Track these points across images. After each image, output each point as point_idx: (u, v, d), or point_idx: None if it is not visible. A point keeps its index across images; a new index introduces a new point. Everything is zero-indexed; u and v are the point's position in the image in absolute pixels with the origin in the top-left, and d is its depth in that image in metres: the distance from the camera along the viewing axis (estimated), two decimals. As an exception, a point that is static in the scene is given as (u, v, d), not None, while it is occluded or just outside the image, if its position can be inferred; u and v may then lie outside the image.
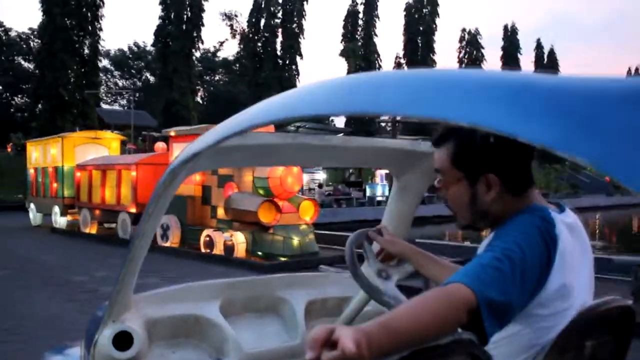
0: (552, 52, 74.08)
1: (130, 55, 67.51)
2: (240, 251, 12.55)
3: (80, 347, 2.40)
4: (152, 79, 65.37)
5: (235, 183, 13.24)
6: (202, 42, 43.36)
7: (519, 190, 1.51)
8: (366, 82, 1.20)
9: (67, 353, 2.66)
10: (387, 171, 21.04)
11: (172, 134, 14.92)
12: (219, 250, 12.92)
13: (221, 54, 68.86)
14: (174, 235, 14.34)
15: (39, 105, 35.87)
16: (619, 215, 37.81)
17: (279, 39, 47.57)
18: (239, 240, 12.55)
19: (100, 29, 36.75)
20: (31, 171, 21.47)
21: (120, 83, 67.33)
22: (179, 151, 10.60)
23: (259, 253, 12.62)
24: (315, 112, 1.27)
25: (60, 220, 19.49)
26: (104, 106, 52.68)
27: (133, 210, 15.67)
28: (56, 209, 19.61)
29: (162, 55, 42.38)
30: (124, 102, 68.36)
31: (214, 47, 64.71)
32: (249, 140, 2.09)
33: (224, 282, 2.61)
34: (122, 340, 2.09)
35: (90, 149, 19.69)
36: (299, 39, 47.46)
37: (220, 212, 13.68)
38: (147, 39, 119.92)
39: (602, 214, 36.13)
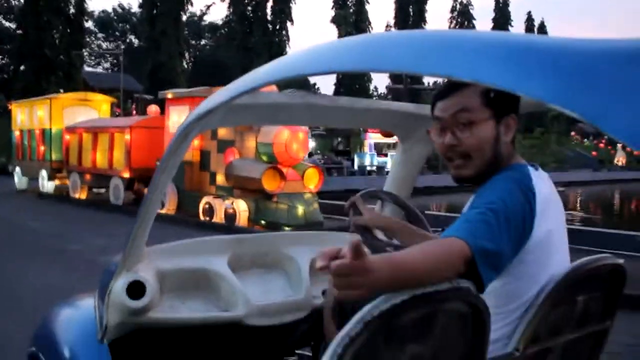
0: (542, 25, 73.53)
1: (115, 17, 65.93)
2: (242, 219, 12.01)
3: (94, 298, 2.46)
4: (136, 42, 64.29)
5: (236, 148, 12.62)
6: (192, 4, 42.13)
7: (514, 139, 1.66)
8: (378, 41, 1.27)
9: (77, 304, 2.67)
10: (376, 141, 20.76)
11: (169, 96, 14.22)
12: (219, 218, 12.37)
13: (207, 18, 67.67)
14: (170, 201, 13.75)
15: (22, 67, 34.68)
16: (606, 190, 37.76)
17: (270, 3, 46.44)
18: (241, 208, 11.99)
19: (87, -13, 35.50)
20: (16, 133, 20.57)
21: (104, 45, 65.78)
22: (176, 114, 10.84)
23: (262, 222, 12.07)
24: (328, 69, 1.32)
25: (47, 185, 18.77)
26: (87, 69, 51.48)
27: (126, 175, 15.02)
28: (43, 173, 18.87)
29: (150, 18, 41.12)
30: (107, 65, 67.19)
31: (201, 10, 63.46)
32: (259, 99, 2.15)
33: (232, 237, 2.71)
34: (135, 290, 2.14)
35: (80, 111, 18.85)
36: (290, 4, 46.39)
37: (220, 179, 13.09)
38: (133, 1, 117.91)
39: (590, 188, 36.15)
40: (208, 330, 2.37)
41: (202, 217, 12.74)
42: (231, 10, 48.52)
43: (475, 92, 1.58)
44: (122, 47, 63.73)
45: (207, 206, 12.69)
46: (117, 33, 66.95)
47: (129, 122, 15.53)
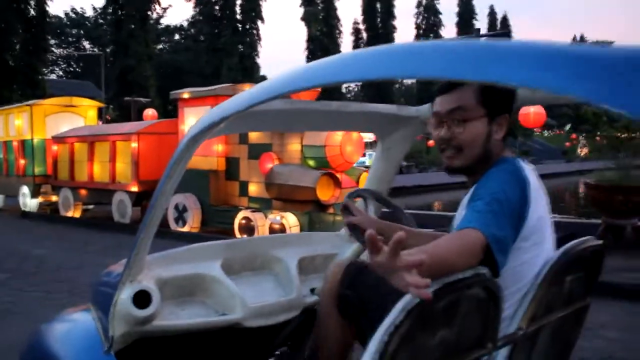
0: (505, 19, 73.56)
1: (68, 23, 62.84)
2: (291, 236, 10.23)
3: (89, 310, 2.50)
4: (89, 47, 61.62)
5: (274, 153, 10.86)
6: (159, 4, 39.66)
7: (506, 137, 1.84)
8: (430, 48, 1.30)
9: (70, 319, 2.67)
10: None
11: (186, 96, 12.34)
12: (260, 235, 10.57)
13: (163, 21, 64.90)
14: (194, 217, 11.87)
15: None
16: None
17: (238, 2, 44.29)
18: (291, 222, 10.21)
19: (48, -13, 32.72)
20: (-12, 146, 18.28)
21: (57, 52, 62.54)
22: (192, 116, 8.08)
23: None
24: (357, 77, 1.45)
25: (30, 203, 16.59)
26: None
27: (134, 188, 13.04)
28: (25, 190, 16.66)
29: (116, 20, 38.58)
30: (60, 72, 64.04)
31: (157, 13, 60.82)
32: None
33: (223, 242, 2.76)
34: (141, 299, 2.18)
35: (64, 118, 16.67)
36: (260, 2, 44.38)
37: (254, 189, 11.32)
38: (86, 5, 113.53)
39: (567, 179, 35.95)
40: (207, 334, 2.41)
41: (238, 235, 10.89)
42: (198, 10, 46.28)
43: (472, 91, 1.76)
44: (75, 54, 61.25)
45: (245, 221, 10.86)
46: (70, 39, 64.02)
47: (136, 127, 13.50)
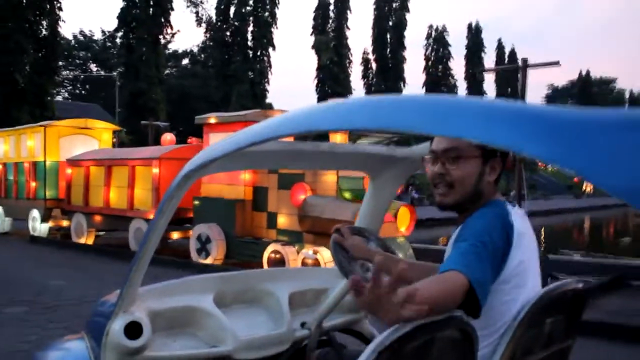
0: (512, 53, 73.53)
1: (76, 45, 62.67)
2: (325, 273, 9.60)
3: (82, 339, 2.57)
4: (95, 70, 61.47)
5: (307, 184, 10.27)
6: (172, 27, 39.30)
7: (498, 180, 1.90)
8: (393, 102, 1.39)
9: (64, 347, 2.74)
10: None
11: (212, 121, 11.80)
12: (291, 270, 9.93)
13: (171, 47, 64.72)
14: (218, 249, 11.22)
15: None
16: (602, 217, 36.66)
17: (250, 28, 44.02)
18: (326, 257, 9.58)
19: (60, 8, 32.18)
20: (-3, 167, 17.68)
21: (64, 74, 62.29)
22: None
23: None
24: (340, 126, 1.72)
25: (41, 228, 15.96)
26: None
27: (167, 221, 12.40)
28: (35, 213, 16.06)
29: (128, 43, 38.23)
30: (65, 94, 63.70)
31: (165, 39, 60.70)
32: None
33: (216, 275, 2.78)
34: (132, 330, 2.22)
35: (78, 141, 16.15)
36: (271, 29, 44.13)
37: (282, 221, 10.71)
38: (95, 29, 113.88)
39: (583, 216, 35.45)
40: None
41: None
42: (208, 35, 46.04)
43: None
44: (81, 76, 61.10)
45: (275, 255, 10.23)
46: (77, 61, 63.85)
47: (157, 152, 12.91)
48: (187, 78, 55.57)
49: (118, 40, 41.46)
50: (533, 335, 1.78)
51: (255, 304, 2.81)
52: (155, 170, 12.36)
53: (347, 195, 9.91)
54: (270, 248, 10.35)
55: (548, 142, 1.00)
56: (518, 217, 1.80)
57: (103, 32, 60.80)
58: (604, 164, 0.92)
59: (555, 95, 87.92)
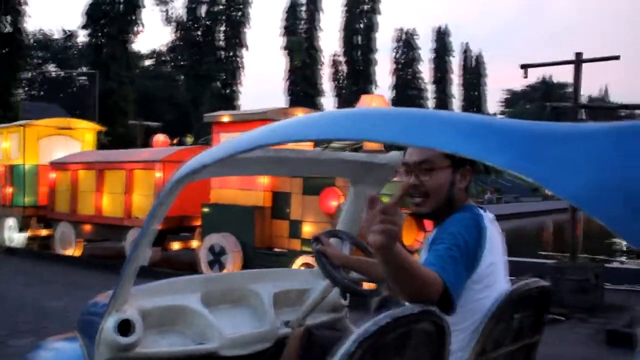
0: (479, 56, 73.81)
1: (35, 44, 60.23)
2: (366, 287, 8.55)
3: (76, 338, 2.69)
4: (54, 70, 59.30)
5: (339, 189, 9.22)
6: (143, 25, 37.48)
7: (469, 187, 2.01)
8: (372, 115, 1.59)
9: (56, 347, 2.86)
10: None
11: (225, 119, 10.64)
12: (324, 286, 8.85)
13: (134, 47, 62.61)
14: (234, 261, 10.05)
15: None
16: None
17: (222, 28, 42.55)
18: (368, 272, 8.54)
19: (25, 2, 30.29)
20: (-32, 171, 16.10)
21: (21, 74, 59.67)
22: None
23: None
24: (325, 135, 1.74)
25: (17, 237, 14.49)
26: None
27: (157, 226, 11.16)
28: (10, 222, 14.60)
29: (96, 42, 36.38)
30: (22, 95, 61.05)
31: (135, 37, 58.57)
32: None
33: (203, 276, 3.08)
34: (124, 328, 2.34)
35: (58, 142, 14.73)
36: (244, 29, 42.73)
37: (308, 230, 9.60)
38: (54, 27, 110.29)
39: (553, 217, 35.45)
40: None
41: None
42: (178, 35, 44.41)
43: None
44: (38, 78, 58.79)
45: (304, 268, 9.12)
46: (36, 61, 61.37)
47: (158, 155, 11.62)
48: (151, 79, 53.83)
49: (83, 39, 39.72)
50: (502, 329, 1.90)
51: (240, 304, 2.93)
52: (159, 175, 11.10)
53: (384, 200, 8.87)
54: (300, 261, 9.26)
55: (510, 153, 1.14)
56: (488, 221, 1.93)
57: (64, 31, 57.99)
58: (558, 172, 1.04)
59: (513, 99, 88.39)
